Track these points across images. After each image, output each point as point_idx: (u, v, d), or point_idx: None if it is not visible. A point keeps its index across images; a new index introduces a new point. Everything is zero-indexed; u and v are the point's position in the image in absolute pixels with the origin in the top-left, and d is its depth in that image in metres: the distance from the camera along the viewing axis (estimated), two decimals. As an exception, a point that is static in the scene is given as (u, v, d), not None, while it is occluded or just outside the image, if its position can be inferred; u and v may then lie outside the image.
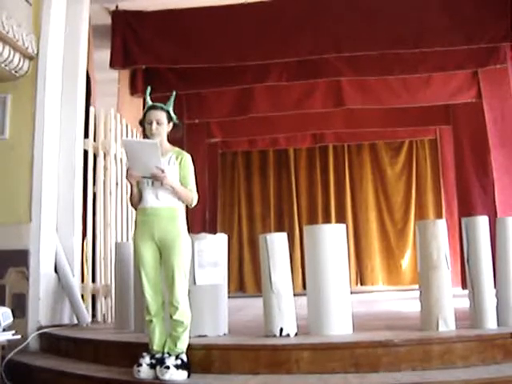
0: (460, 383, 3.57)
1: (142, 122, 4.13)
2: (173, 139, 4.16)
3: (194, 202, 4.04)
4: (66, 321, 5.99)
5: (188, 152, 4.11)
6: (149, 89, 4.26)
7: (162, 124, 4.03)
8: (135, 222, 4.07)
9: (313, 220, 12.30)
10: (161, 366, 3.80)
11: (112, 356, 4.51)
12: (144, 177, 3.92)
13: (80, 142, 6.44)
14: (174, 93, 4.18)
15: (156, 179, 3.87)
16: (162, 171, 3.84)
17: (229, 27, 7.57)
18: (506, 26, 6.95)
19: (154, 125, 4.01)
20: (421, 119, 10.60)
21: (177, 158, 4.01)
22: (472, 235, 4.47)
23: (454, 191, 10.62)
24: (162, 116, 4.03)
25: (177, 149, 4.11)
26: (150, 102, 4.12)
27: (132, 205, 4.13)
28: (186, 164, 4.03)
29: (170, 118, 4.08)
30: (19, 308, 5.46)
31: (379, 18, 7.27)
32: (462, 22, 7.11)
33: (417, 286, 4.69)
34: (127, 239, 6.94)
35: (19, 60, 5.83)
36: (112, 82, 8.16)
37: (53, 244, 5.93)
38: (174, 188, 3.92)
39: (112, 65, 7.68)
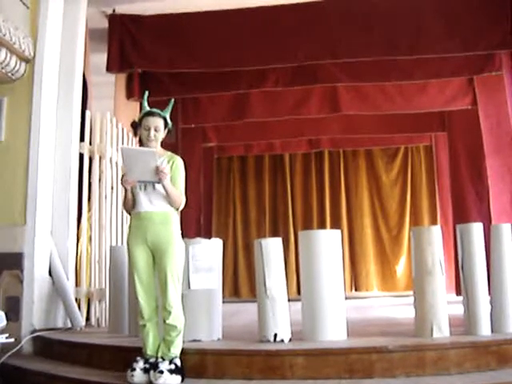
0: (454, 390, 3.58)
1: (134, 125, 4.14)
2: (166, 144, 4.17)
3: (182, 206, 4.05)
4: (59, 324, 5.97)
5: (183, 156, 4.13)
6: (146, 93, 4.26)
7: (160, 131, 4.06)
8: (129, 226, 4.08)
9: (308, 225, 12.31)
10: (154, 371, 3.79)
11: (106, 360, 4.50)
12: (140, 181, 3.92)
13: (76, 145, 6.43)
14: (173, 100, 4.18)
15: (158, 174, 3.85)
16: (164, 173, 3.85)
17: (226, 32, 7.58)
18: (502, 34, 6.98)
19: (152, 132, 4.02)
20: (416, 126, 10.63)
21: (168, 161, 4.03)
22: (467, 242, 4.48)
23: (449, 197, 10.63)
24: (159, 123, 4.06)
25: (169, 153, 4.14)
26: (147, 108, 4.13)
27: (126, 209, 4.14)
28: (178, 167, 4.04)
29: (166, 125, 4.10)
30: (13, 311, 5.44)
31: (375, 24, 7.30)
32: (457, 29, 7.14)
33: (411, 292, 4.69)
34: (122, 243, 6.93)
35: (16, 63, 5.83)
36: (108, 85, 8.15)
37: (47, 247, 5.92)
38: (168, 189, 3.91)
39: (108, 68, 7.69)
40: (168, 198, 3.95)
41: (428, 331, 4.35)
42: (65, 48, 6.34)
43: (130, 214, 4.10)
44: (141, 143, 4.16)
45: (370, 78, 8.38)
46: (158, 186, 3.93)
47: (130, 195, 4.02)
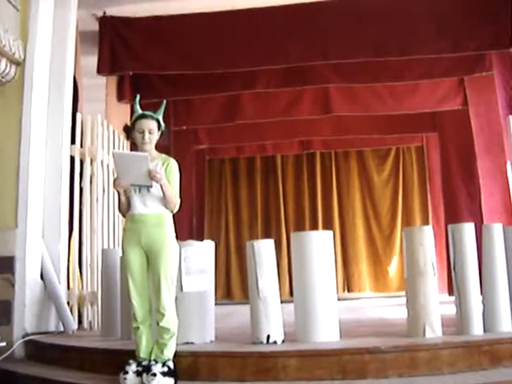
0: (447, 390, 3.59)
1: (127, 129, 4.13)
2: (159, 146, 4.17)
3: (177, 208, 4.04)
4: (51, 328, 5.95)
5: (175, 159, 4.12)
6: (138, 97, 4.25)
7: (154, 133, 4.05)
8: (124, 228, 4.07)
9: (300, 227, 12.31)
10: (147, 374, 3.78)
11: (98, 363, 4.48)
12: (133, 184, 3.92)
13: (67, 148, 6.41)
14: (165, 101, 4.18)
15: (153, 178, 3.84)
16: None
17: (217, 34, 7.58)
18: (493, 34, 7.01)
19: (146, 134, 4.01)
20: (408, 126, 10.67)
21: (163, 164, 4.02)
22: (458, 242, 4.49)
23: (441, 198, 10.67)
24: (153, 125, 4.04)
25: (163, 155, 4.12)
26: (139, 111, 4.11)
27: (120, 212, 4.12)
28: (172, 169, 4.03)
29: (159, 126, 4.09)
30: (5, 315, 5.42)
31: (366, 25, 7.32)
32: (448, 30, 7.17)
33: (403, 293, 4.70)
34: (114, 246, 6.91)
35: (6, 65, 5.80)
36: (99, 87, 8.13)
37: (39, 250, 5.89)
38: (165, 190, 3.90)
39: (99, 71, 7.67)
40: (164, 200, 3.94)
41: (420, 331, 4.36)
42: (55, 50, 6.32)
43: (125, 216, 4.10)
44: (134, 146, 4.15)
45: (361, 79, 8.41)
46: (153, 189, 3.92)
47: (122, 198, 4.01)
